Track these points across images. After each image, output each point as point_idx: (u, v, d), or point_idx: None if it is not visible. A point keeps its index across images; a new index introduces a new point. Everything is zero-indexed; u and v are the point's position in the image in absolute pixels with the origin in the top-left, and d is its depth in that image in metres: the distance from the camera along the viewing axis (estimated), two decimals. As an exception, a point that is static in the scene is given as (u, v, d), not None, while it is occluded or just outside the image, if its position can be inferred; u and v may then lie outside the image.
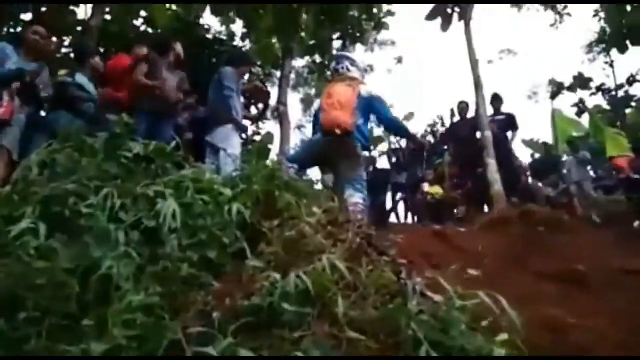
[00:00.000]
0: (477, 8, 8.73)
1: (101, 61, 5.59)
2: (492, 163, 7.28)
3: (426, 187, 8.26)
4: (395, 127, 5.12)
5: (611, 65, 16.24)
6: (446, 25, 9.21)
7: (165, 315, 1.66)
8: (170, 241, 2.01)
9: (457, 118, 8.79)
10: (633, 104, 14.17)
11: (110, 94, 5.35)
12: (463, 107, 8.58)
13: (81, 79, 4.92)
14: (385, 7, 12.45)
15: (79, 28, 9.71)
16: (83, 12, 9.90)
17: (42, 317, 1.65)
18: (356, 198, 4.07)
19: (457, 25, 9.06)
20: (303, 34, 12.15)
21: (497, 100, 8.42)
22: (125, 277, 1.80)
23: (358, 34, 13.15)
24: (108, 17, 9.82)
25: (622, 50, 9.28)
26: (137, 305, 1.67)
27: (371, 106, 4.53)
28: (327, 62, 13.63)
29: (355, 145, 4.34)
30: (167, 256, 1.94)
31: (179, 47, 5.44)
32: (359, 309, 1.70)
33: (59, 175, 2.31)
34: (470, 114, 8.43)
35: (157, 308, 1.69)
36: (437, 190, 8.12)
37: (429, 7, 9.28)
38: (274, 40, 12.03)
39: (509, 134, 8.33)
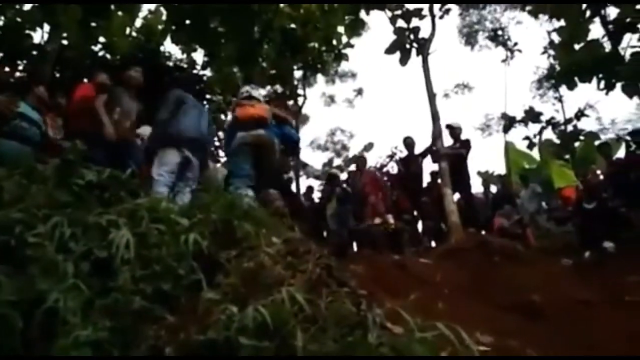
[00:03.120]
0: (435, 43, 9.01)
1: (56, 86, 5.49)
2: (448, 193, 7.39)
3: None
4: None
5: (560, 100, 17.01)
6: (405, 59, 9.44)
7: (115, 350, 1.58)
8: (123, 272, 1.92)
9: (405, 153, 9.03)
10: (581, 137, 14.80)
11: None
12: (409, 142, 8.77)
13: (21, 106, 4.79)
14: (345, 38, 12.70)
15: (35, 52, 9.49)
16: (39, 36, 9.71)
17: (-19, 354, 1.55)
18: None
19: (415, 59, 9.31)
20: (264, 64, 12.24)
21: (451, 128, 8.45)
22: (72, 310, 1.71)
23: (319, 65, 13.36)
24: (65, 42, 9.65)
25: (571, 86, 9.69)
26: (84, 340, 1.58)
27: None
28: (288, 92, 13.76)
29: None
30: (119, 288, 1.86)
31: (132, 72, 5.37)
32: (318, 342, 1.66)
33: (5, 203, 2.20)
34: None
35: (106, 343, 1.60)
36: (378, 220, 8.18)
37: (389, 40, 9.52)
38: (235, 69, 12.06)
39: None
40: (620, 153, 10.29)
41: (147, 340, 1.67)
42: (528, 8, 10.25)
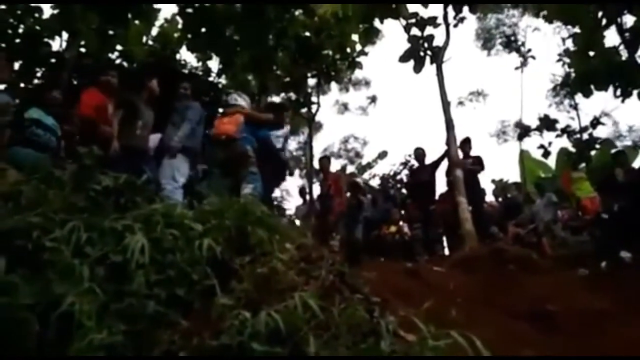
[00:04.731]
0: (449, 51, 9.00)
1: (73, 93, 5.51)
2: (463, 201, 7.35)
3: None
4: None
5: (575, 108, 16.81)
6: (419, 67, 9.43)
7: (129, 354, 1.59)
8: (137, 277, 1.93)
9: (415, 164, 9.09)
10: (597, 145, 14.60)
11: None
12: (419, 153, 8.80)
13: (36, 113, 4.82)
14: (359, 46, 12.72)
15: (53, 60, 9.64)
16: (57, 44, 9.88)
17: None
18: None
19: (430, 67, 9.30)
20: (278, 72, 12.31)
21: (466, 144, 8.59)
22: (87, 314, 1.72)
23: (333, 73, 13.39)
24: (83, 50, 9.80)
25: (587, 94, 9.58)
26: (99, 344, 1.60)
27: None
28: (301, 99, 13.81)
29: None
30: (133, 293, 1.87)
31: (154, 84, 5.41)
32: (330, 348, 1.66)
33: (23, 208, 2.24)
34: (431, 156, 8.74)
35: (120, 347, 1.61)
36: (393, 228, 8.21)
37: (403, 48, 9.53)
38: (250, 77, 12.15)
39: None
40: (638, 161, 10.17)
41: (161, 344, 1.68)
42: (543, 13, 10.16)
